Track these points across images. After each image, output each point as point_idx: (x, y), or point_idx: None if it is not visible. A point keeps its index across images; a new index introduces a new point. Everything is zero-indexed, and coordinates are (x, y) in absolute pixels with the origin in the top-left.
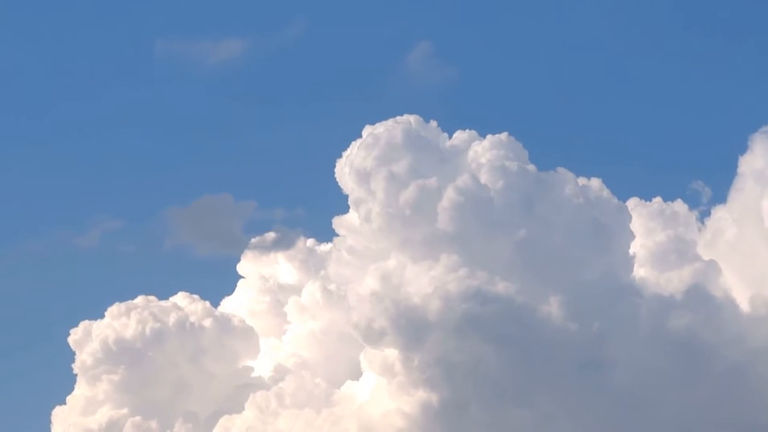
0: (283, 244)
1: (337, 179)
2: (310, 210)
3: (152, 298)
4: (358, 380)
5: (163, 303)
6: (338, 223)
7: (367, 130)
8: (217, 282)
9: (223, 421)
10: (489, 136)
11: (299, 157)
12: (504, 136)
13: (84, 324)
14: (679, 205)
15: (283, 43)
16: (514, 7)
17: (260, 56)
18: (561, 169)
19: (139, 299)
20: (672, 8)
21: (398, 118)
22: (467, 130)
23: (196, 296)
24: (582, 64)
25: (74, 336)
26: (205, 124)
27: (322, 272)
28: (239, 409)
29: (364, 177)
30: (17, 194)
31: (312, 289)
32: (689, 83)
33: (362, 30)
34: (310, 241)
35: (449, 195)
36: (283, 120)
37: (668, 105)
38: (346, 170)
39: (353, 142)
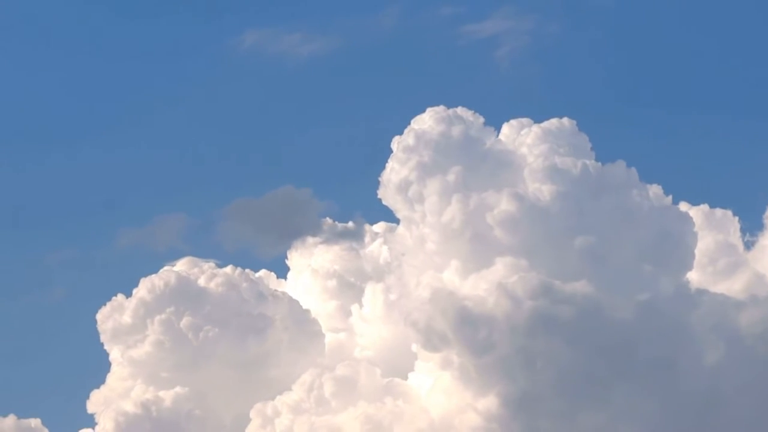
0: (346, 241)
1: (381, 198)
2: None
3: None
4: (413, 377)
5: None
6: (391, 239)
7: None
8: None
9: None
10: (546, 124)
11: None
12: (566, 120)
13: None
14: (725, 212)
15: (374, 36)
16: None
17: (350, 49)
18: (628, 170)
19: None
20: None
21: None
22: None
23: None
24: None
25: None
26: (289, 117)
27: (383, 275)
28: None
29: (408, 192)
30: (87, 193)
31: (373, 292)
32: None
33: (454, 25)
34: (369, 233)
35: (506, 203)
36: (368, 117)
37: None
38: (388, 191)
39: (394, 146)
